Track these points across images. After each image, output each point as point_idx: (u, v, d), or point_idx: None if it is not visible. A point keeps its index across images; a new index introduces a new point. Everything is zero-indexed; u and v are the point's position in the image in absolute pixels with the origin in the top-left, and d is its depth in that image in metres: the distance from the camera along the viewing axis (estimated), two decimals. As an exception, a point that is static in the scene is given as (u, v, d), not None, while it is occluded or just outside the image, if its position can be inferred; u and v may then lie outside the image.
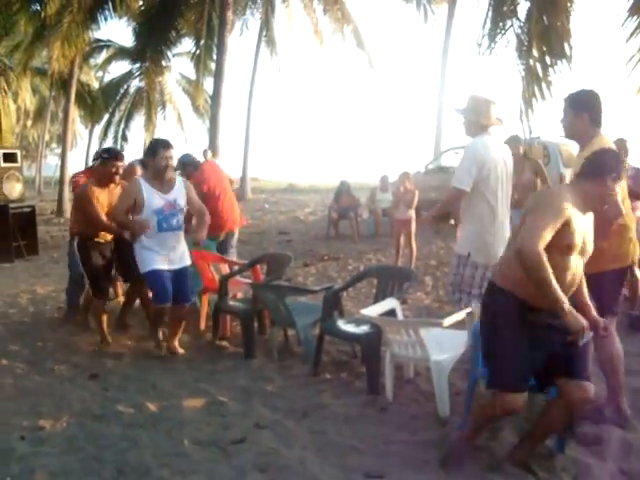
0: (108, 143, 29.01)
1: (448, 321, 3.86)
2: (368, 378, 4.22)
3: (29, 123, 37.99)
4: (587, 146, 3.46)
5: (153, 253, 4.87)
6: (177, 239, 5.01)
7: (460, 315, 4.04)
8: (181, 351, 5.11)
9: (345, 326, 4.69)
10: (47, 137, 38.84)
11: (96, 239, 5.45)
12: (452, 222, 13.66)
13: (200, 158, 14.75)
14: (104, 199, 5.36)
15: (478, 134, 4.37)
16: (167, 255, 4.93)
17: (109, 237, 5.48)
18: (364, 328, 4.44)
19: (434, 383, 3.77)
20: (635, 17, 8.08)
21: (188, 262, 5.12)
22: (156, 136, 27.67)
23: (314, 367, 4.57)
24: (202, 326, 5.75)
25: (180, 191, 5.00)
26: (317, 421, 3.73)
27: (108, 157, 5.37)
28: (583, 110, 3.48)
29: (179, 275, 4.96)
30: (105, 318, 5.49)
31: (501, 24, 8.71)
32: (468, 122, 4.43)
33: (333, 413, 3.85)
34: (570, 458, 3.14)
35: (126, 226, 4.98)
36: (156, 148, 4.87)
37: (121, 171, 5.49)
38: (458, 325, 4.04)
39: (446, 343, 3.98)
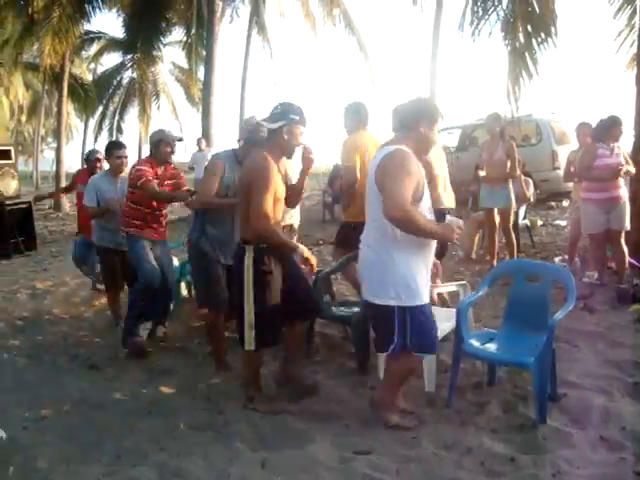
0: (103, 136, 28.99)
1: (441, 286, 4.03)
2: (357, 359, 4.33)
3: (24, 118, 38.00)
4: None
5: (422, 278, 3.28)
6: None
7: (452, 286, 4.23)
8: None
9: (335, 308, 4.79)
10: (42, 131, 38.79)
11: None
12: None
13: (194, 147, 14.71)
14: None
15: None
16: None
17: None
18: (354, 310, 4.53)
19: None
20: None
21: None
22: (152, 127, 27.68)
23: (307, 349, 4.64)
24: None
25: None
26: (311, 401, 3.83)
27: None
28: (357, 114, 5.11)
29: None
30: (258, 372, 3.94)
31: (482, 9, 8.68)
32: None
33: (326, 393, 3.95)
34: (552, 428, 3.26)
35: (432, 233, 3.18)
36: (436, 116, 3.30)
37: None
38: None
39: (440, 317, 4.08)
